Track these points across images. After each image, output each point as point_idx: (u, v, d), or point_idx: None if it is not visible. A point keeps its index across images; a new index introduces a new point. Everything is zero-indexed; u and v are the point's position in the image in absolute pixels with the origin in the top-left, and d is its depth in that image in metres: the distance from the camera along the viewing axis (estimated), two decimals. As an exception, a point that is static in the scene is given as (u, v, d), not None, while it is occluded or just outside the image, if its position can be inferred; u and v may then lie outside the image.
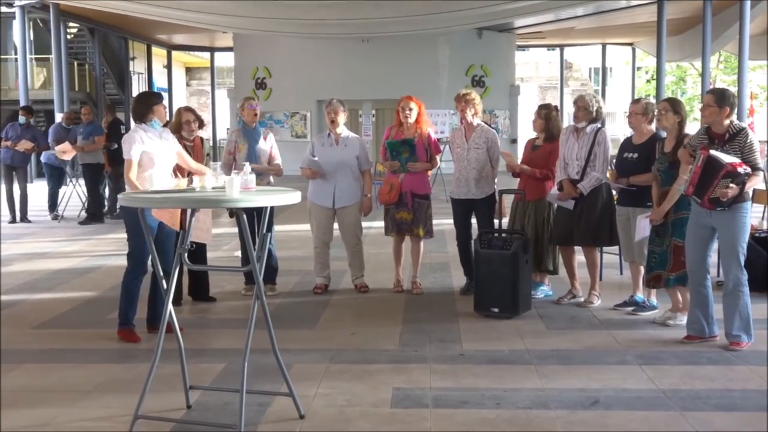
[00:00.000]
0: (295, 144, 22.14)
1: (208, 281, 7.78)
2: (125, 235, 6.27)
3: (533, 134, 7.88)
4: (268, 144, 7.98)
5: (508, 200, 7.74)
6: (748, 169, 5.69)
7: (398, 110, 7.84)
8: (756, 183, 5.94)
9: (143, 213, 4.93)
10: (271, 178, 7.99)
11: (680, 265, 6.41)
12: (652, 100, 7.37)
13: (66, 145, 13.54)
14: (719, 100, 5.87)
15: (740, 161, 5.69)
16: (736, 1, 19.20)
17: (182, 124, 7.21)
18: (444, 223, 10.62)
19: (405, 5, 18.49)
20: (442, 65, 25.25)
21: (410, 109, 7.76)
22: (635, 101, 7.20)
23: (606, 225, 7.23)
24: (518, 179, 7.80)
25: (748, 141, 5.81)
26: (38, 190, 16.68)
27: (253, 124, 7.96)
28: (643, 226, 6.71)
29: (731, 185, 5.62)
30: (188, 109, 7.39)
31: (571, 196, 7.22)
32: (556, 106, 7.88)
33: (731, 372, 5.46)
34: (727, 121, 5.90)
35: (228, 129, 30.38)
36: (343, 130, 7.92)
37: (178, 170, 6.56)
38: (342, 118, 7.85)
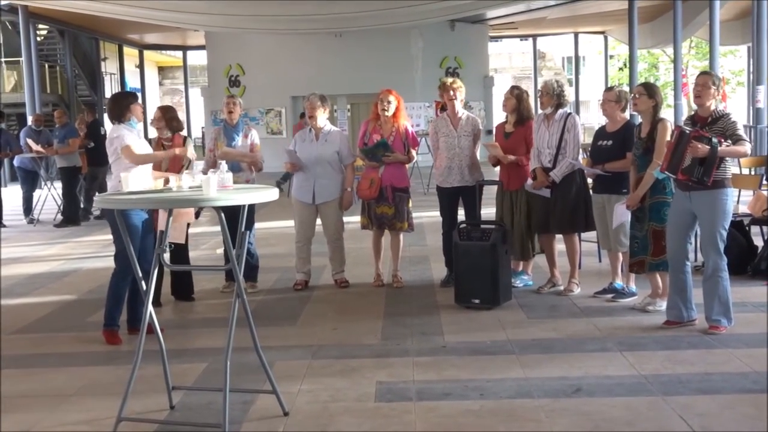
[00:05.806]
0: (270, 141, 22.04)
1: (192, 281, 7.75)
2: (102, 238, 6.24)
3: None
4: (248, 141, 7.96)
5: (490, 190, 7.72)
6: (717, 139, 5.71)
7: (376, 103, 7.82)
8: (742, 152, 5.91)
9: (122, 214, 4.90)
10: (254, 175, 7.95)
11: (661, 250, 6.45)
12: (625, 88, 7.42)
13: (38, 148, 13.49)
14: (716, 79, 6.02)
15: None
16: (706, -13, 19.35)
17: (154, 120, 7.24)
18: (422, 215, 10.63)
19: (377, -2, 18.44)
20: (416, 58, 25.21)
21: (389, 102, 7.73)
22: (608, 89, 7.23)
23: (581, 210, 7.26)
24: (498, 169, 7.78)
25: (731, 121, 5.87)
26: (12, 194, 16.52)
27: (232, 121, 7.94)
28: (620, 212, 6.75)
29: (699, 144, 5.64)
30: (161, 108, 7.37)
31: (544, 185, 7.24)
32: (526, 91, 7.88)
33: (711, 356, 5.50)
34: (712, 106, 5.95)
35: (203, 127, 30.25)
36: (325, 125, 7.89)
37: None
38: (321, 112, 7.81)
